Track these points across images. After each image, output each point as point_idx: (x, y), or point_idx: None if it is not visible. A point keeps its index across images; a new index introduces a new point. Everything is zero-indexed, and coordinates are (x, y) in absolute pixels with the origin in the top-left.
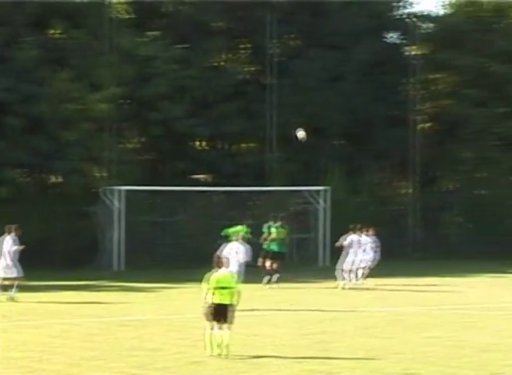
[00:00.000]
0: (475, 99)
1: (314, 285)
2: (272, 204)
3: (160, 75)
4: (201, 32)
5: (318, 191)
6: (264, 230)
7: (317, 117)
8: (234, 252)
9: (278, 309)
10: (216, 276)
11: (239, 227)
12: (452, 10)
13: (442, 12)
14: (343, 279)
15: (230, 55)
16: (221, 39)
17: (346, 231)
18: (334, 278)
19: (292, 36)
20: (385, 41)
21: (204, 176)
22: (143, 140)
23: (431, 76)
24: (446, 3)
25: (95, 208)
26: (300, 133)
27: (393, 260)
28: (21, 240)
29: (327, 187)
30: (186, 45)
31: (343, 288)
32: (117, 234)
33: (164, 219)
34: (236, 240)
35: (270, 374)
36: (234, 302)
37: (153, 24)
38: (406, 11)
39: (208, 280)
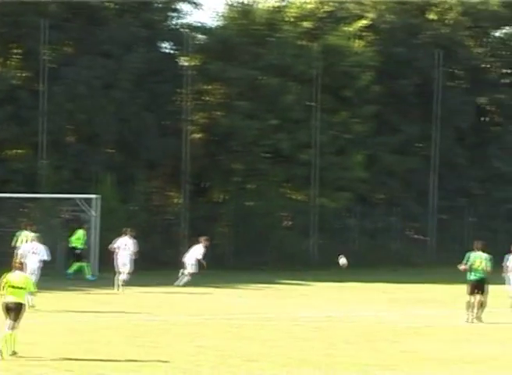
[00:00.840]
0: (247, 111)
1: (85, 293)
2: (43, 211)
3: None
4: None
5: (89, 199)
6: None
7: (89, 125)
8: (32, 252)
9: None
10: (10, 276)
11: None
12: (225, 22)
13: (215, 24)
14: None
15: (2, 60)
16: None
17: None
18: (106, 285)
19: (65, 42)
20: (159, 51)
21: None
22: None
23: (203, 87)
24: (219, 15)
25: None
26: (342, 261)
27: (165, 269)
28: None
29: (98, 196)
30: None
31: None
32: None
33: None
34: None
35: None
36: (25, 302)
37: None
38: (180, 21)
39: (2, 279)
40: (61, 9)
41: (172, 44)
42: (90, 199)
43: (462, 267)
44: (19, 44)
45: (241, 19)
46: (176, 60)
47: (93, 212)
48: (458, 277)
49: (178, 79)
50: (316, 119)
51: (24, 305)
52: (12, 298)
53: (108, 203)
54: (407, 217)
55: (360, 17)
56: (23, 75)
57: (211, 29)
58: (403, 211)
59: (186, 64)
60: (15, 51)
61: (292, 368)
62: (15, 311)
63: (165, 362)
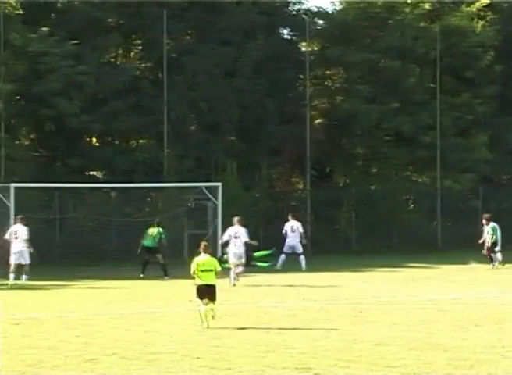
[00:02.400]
0: (367, 95)
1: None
2: (168, 200)
3: (53, 71)
4: (94, 28)
5: (211, 187)
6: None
7: (210, 113)
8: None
9: (174, 305)
10: (199, 259)
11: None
12: (343, 7)
13: (334, 8)
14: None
15: (123, 52)
16: (114, 35)
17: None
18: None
19: (185, 32)
20: (279, 37)
21: (98, 172)
22: (35, 136)
23: (324, 72)
24: (338, 0)
25: None
26: None
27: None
28: None
29: (220, 184)
30: (79, 41)
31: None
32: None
33: (57, 216)
34: None
35: (167, 370)
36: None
37: (45, 20)
38: (299, 7)
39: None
40: None
41: (291, 30)
42: (212, 187)
43: None
44: (140, 35)
45: (360, 3)
46: (296, 46)
47: (215, 200)
48: None
49: (299, 65)
50: (438, 101)
51: (215, 286)
52: (204, 281)
53: (231, 191)
54: None
55: None
56: (145, 65)
57: (330, 14)
58: None
59: (307, 49)
60: (136, 42)
61: (420, 351)
62: (209, 293)
63: (290, 348)
